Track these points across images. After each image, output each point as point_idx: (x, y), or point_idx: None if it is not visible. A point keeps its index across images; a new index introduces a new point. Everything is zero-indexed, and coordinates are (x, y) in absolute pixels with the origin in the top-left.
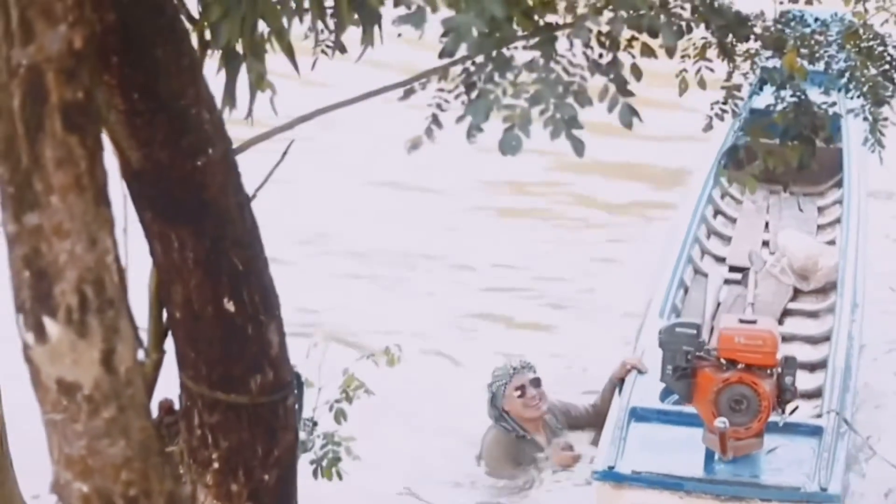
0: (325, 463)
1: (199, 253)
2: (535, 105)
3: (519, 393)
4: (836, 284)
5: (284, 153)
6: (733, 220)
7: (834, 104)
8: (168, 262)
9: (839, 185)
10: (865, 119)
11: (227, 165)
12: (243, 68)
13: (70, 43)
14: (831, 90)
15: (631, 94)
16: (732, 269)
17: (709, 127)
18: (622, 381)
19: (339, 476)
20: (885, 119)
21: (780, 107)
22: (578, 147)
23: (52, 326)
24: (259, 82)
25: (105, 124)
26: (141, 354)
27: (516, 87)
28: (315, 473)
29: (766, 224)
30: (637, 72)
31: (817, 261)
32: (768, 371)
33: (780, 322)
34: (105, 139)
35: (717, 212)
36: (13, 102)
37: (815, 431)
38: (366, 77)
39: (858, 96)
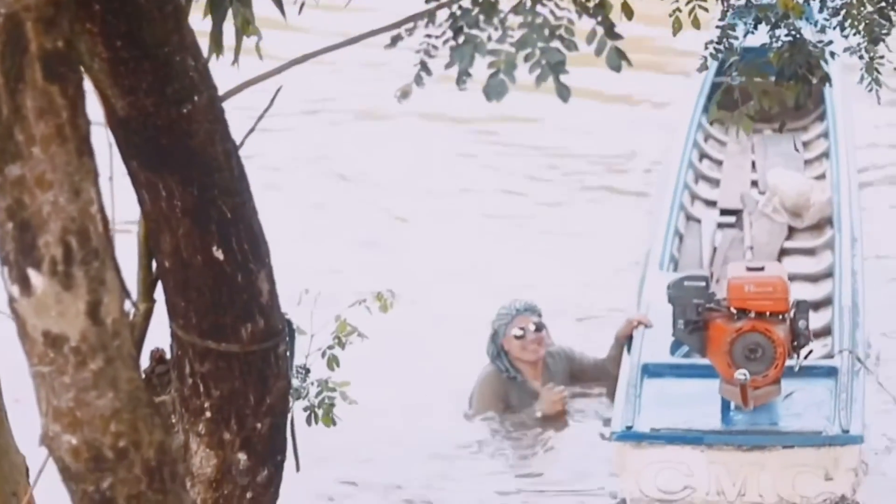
0: (319, 410)
1: (186, 201)
2: (521, 49)
3: (520, 334)
4: (829, 220)
5: (272, 99)
6: (719, 163)
7: (830, 42)
8: (156, 211)
9: (821, 118)
10: (861, 57)
11: (213, 113)
12: (230, 14)
13: None
14: (827, 28)
15: (619, 36)
16: (724, 212)
17: (704, 67)
18: (629, 338)
19: (333, 422)
20: (882, 57)
21: (774, 46)
22: (563, 92)
23: (36, 278)
24: (245, 28)
25: (89, 72)
26: (128, 305)
27: (502, 31)
28: (309, 420)
29: (753, 164)
30: (628, 10)
31: (809, 197)
32: (780, 317)
33: (778, 261)
34: (88, 88)
35: (703, 155)
36: None
37: (830, 372)
38: (352, 23)
39: (854, 34)
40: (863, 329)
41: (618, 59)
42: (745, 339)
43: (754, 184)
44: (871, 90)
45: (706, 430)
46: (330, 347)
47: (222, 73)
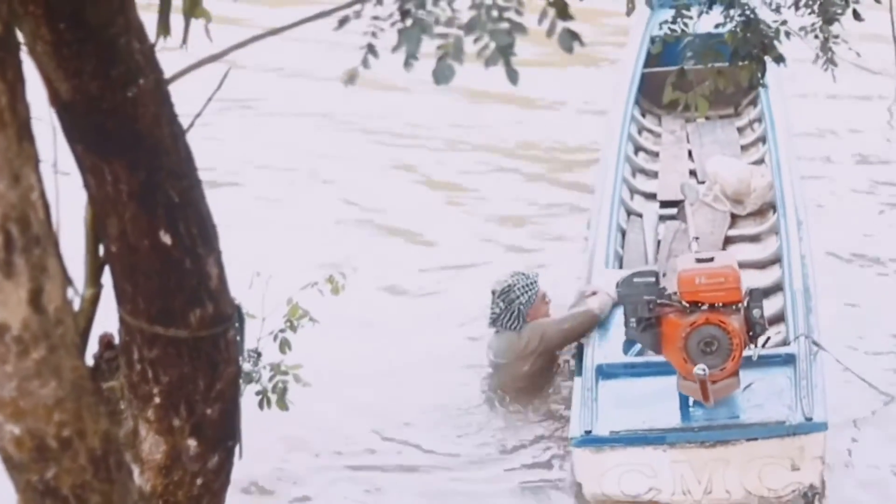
0: (273, 394)
1: (133, 185)
2: (470, 33)
3: (546, 299)
4: (771, 204)
5: (221, 82)
6: (656, 154)
7: (784, 22)
8: (102, 196)
9: (754, 102)
10: (816, 37)
11: (159, 96)
12: None
13: None
14: (781, 8)
15: (570, 17)
16: (664, 203)
17: (658, 48)
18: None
19: (286, 407)
20: (836, 37)
21: (728, 26)
22: (513, 76)
23: None
24: (194, 9)
25: (32, 55)
26: (71, 293)
27: (451, 14)
28: (261, 404)
29: (689, 153)
30: None
31: (749, 183)
32: (734, 307)
33: (723, 250)
34: (28, 72)
35: (638, 148)
36: None
37: (788, 360)
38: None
39: (809, 14)
40: (816, 312)
41: (570, 40)
42: (699, 333)
43: (692, 173)
44: (826, 69)
45: (667, 428)
46: (282, 331)
47: (169, 56)
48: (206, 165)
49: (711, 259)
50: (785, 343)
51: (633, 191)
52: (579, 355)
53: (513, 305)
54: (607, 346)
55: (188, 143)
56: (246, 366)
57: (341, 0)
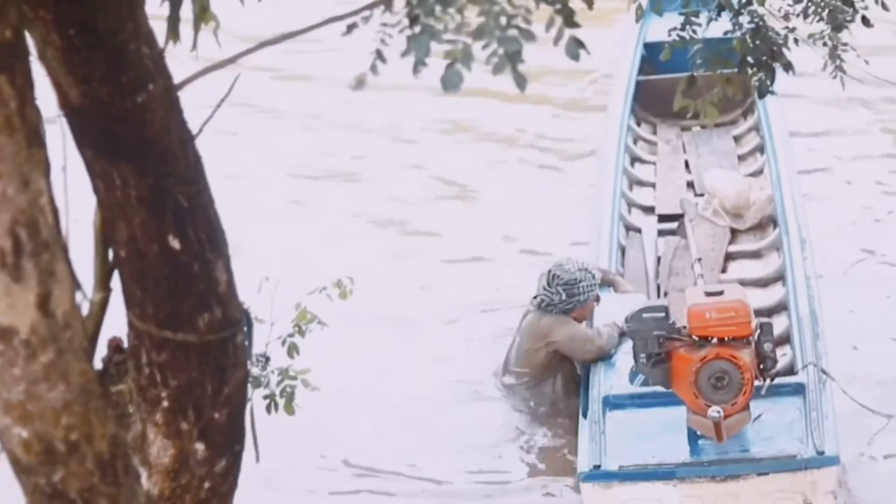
0: (281, 399)
1: (142, 190)
2: (478, 40)
3: (596, 302)
4: (772, 218)
5: (231, 87)
6: (652, 164)
7: (794, 29)
8: (111, 200)
9: (751, 110)
10: (825, 44)
11: (168, 101)
12: (187, 1)
13: None
14: (790, 15)
15: (577, 25)
16: (662, 217)
17: (667, 54)
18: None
19: (292, 412)
20: (846, 44)
21: (737, 33)
22: (521, 82)
23: None
24: (203, 15)
25: (42, 61)
26: (80, 297)
27: (460, 21)
28: (269, 409)
29: (686, 163)
30: None
31: (748, 196)
32: (745, 341)
33: (723, 268)
34: (38, 78)
35: (635, 159)
36: None
37: (798, 390)
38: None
39: (818, 21)
40: (823, 338)
41: (576, 49)
42: (710, 368)
43: (690, 185)
44: (834, 77)
45: (677, 463)
46: (290, 335)
47: (179, 61)
48: (214, 170)
49: (721, 293)
50: (791, 369)
51: (631, 204)
52: (585, 386)
53: (571, 300)
54: (613, 377)
55: (197, 149)
56: (254, 370)
57: (350, 6)
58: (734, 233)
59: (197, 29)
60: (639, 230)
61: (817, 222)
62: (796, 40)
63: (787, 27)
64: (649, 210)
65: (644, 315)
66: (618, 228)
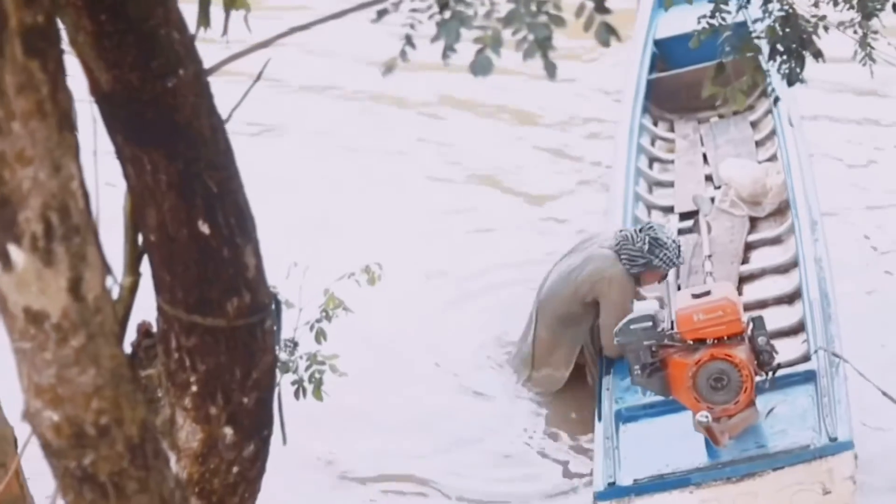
0: (309, 384)
1: (172, 175)
2: (508, 26)
3: (663, 280)
4: (790, 202)
5: (260, 73)
6: (671, 163)
7: (824, 17)
8: (141, 186)
9: (765, 93)
10: (855, 32)
11: (198, 87)
12: None
13: None
14: (820, 3)
15: (608, 10)
16: (683, 215)
17: (696, 42)
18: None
19: (320, 398)
20: (876, 32)
21: (767, 21)
22: (551, 69)
23: (17, 254)
24: (233, 0)
25: (74, 46)
26: (110, 281)
27: (489, 7)
28: (297, 394)
29: (705, 156)
30: None
31: (765, 182)
32: (739, 338)
33: (745, 258)
34: (70, 62)
35: (653, 159)
36: None
37: (809, 377)
38: None
39: (848, 9)
40: (836, 320)
41: (607, 34)
42: (706, 370)
43: (708, 178)
44: (864, 65)
45: (691, 469)
46: (318, 321)
47: (209, 46)
48: (244, 155)
49: (708, 293)
50: (806, 357)
51: (651, 207)
52: (598, 401)
53: (647, 256)
54: (624, 390)
55: (227, 134)
56: (282, 355)
57: None
58: (754, 221)
59: (227, 14)
60: None
61: (851, 208)
62: (826, 28)
63: (816, 15)
64: (669, 210)
65: (632, 326)
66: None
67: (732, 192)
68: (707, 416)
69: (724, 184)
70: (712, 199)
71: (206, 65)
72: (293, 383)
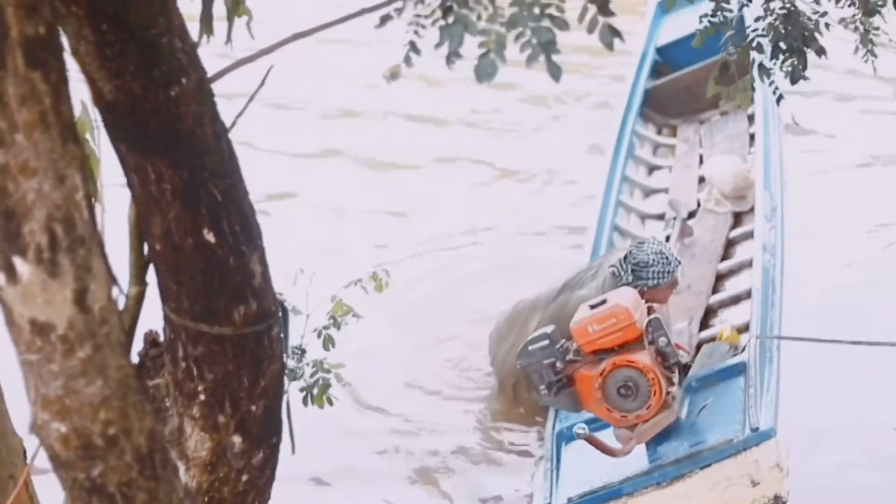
0: (315, 390)
1: (176, 184)
2: (512, 29)
3: (676, 287)
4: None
5: (263, 80)
6: (671, 169)
7: (825, 14)
8: (146, 195)
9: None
10: (856, 29)
11: (202, 95)
12: None
13: None
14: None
15: (612, 13)
16: (674, 221)
17: (699, 40)
18: None
19: (330, 402)
20: (877, 28)
21: (768, 19)
22: (555, 72)
23: (22, 266)
24: (236, 7)
25: (76, 56)
26: (116, 291)
27: (493, 11)
28: (305, 401)
29: (701, 158)
30: None
31: (747, 175)
32: (640, 343)
33: (728, 254)
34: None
35: (653, 168)
36: None
37: (741, 369)
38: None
39: (849, 6)
40: (779, 305)
41: (610, 36)
42: (612, 379)
43: (702, 180)
44: (866, 61)
45: (621, 480)
46: (325, 328)
47: (212, 54)
48: (249, 162)
49: (604, 301)
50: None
51: (644, 217)
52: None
53: (637, 282)
54: (566, 412)
55: (231, 142)
56: (290, 363)
57: None
58: (739, 216)
59: (231, 22)
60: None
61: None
62: (828, 25)
63: (818, 11)
64: (661, 217)
65: (530, 348)
66: (611, 242)
67: (715, 191)
68: (584, 428)
69: (707, 183)
70: (698, 201)
71: (209, 73)
72: (301, 391)
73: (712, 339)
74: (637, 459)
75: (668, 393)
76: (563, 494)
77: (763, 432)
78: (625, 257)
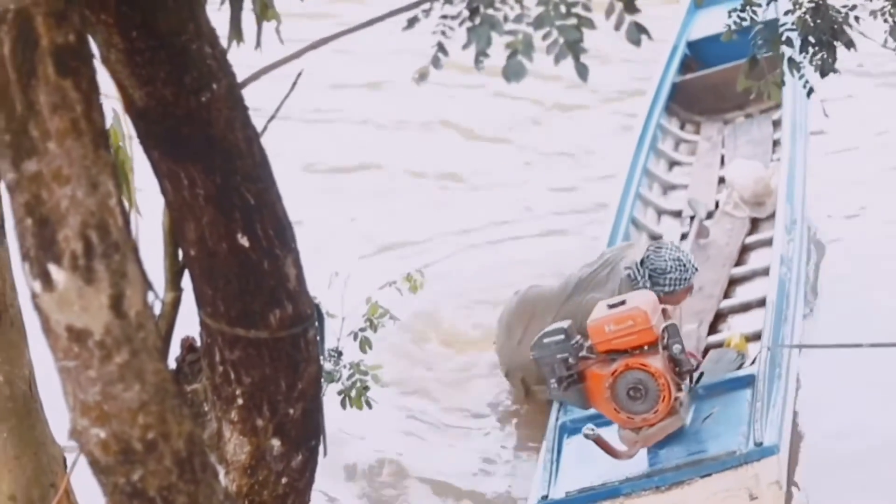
0: (353, 393)
1: (209, 189)
2: (539, 29)
3: (690, 292)
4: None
5: (294, 84)
6: (692, 166)
7: (854, 7)
8: (179, 200)
9: None
10: (886, 21)
11: (232, 100)
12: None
13: None
14: None
15: (638, 10)
16: (692, 219)
17: (728, 36)
18: None
19: (369, 405)
20: None
21: (797, 13)
22: (582, 71)
23: (57, 273)
24: (264, 12)
25: (106, 64)
26: (152, 297)
27: (519, 11)
28: (343, 403)
29: (723, 158)
30: None
31: (768, 182)
32: (654, 348)
33: (742, 260)
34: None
35: (673, 163)
36: (3, 49)
37: (750, 381)
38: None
39: None
40: (791, 319)
41: (637, 34)
42: (623, 380)
43: (722, 181)
44: None
45: (621, 480)
46: (362, 330)
47: (242, 59)
48: (286, 164)
49: (623, 302)
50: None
51: (661, 211)
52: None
53: (654, 288)
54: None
55: (262, 146)
56: (327, 365)
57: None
58: (756, 222)
59: (259, 26)
60: (660, 237)
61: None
62: (857, 18)
63: (847, 5)
64: (678, 214)
65: (545, 340)
66: (627, 235)
67: (735, 195)
68: (593, 429)
69: (728, 186)
70: (717, 202)
71: (239, 78)
72: (339, 393)
73: (720, 344)
74: (638, 461)
75: (676, 399)
76: (561, 488)
77: (766, 447)
78: (642, 261)
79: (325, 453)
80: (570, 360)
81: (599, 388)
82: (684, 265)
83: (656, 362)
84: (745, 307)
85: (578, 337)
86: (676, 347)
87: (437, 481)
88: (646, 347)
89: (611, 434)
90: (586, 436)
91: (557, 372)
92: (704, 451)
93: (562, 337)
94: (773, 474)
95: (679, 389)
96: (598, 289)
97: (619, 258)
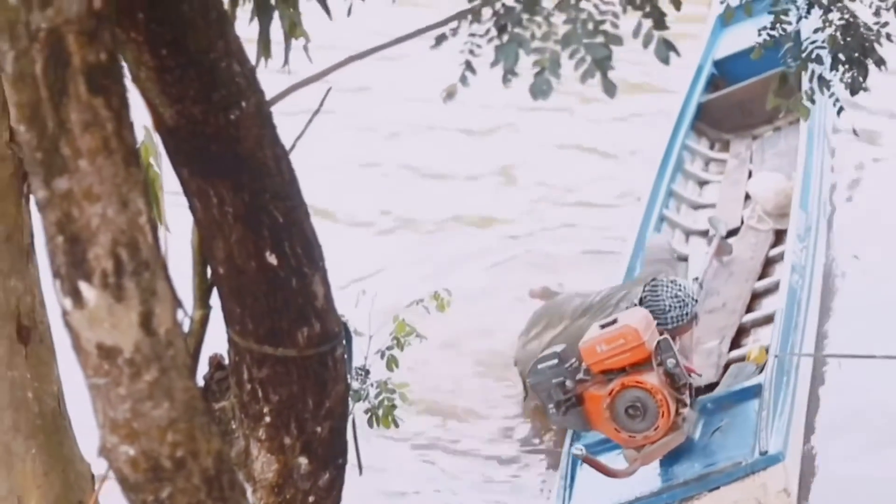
0: (380, 411)
1: (238, 207)
2: (566, 47)
3: (695, 323)
4: None
5: (322, 101)
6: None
7: (886, 24)
8: (208, 218)
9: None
10: None
11: (261, 118)
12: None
13: (89, 3)
14: (881, 10)
15: (667, 27)
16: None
17: (758, 53)
18: None
19: (395, 424)
20: None
21: (828, 31)
22: (610, 88)
23: (88, 291)
24: (293, 30)
25: (136, 82)
26: (181, 315)
27: (547, 29)
28: (370, 422)
29: (750, 173)
30: (676, 0)
31: (790, 193)
32: (649, 364)
33: (767, 272)
34: (135, 98)
35: (702, 183)
36: (35, 68)
37: (757, 391)
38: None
39: None
40: (802, 327)
41: (666, 51)
42: (621, 399)
43: (748, 196)
44: None
45: (630, 500)
46: (389, 348)
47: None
48: (308, 185)
49: (614, 321)
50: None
51: (689, 233)
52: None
53: (657, 326)
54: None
55: (291, 164)
56: (354, 384)
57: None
58: (781, 234)
59: (288, 44)
60: (685, 258)
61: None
62: (888, 35)
63: (878, 22)
64: (704, 234)
65: (539, 367)
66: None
67: (759, 208)
68: (581, 449)
69: (752, 200)
70: (742, 218)
71: (268, 95)
72: (366, 412)
73: (741, 359)
74: (650, 479)
75: (678, 414)
76: None
77: (771, 456)
78: (640, 301)
79: (360, 471)
80: (567, 384)
81: (598, 409)
82: (683, 301)
83: (652, 378)
84: (767, 320)
85: (574, 360)
86: (670, 362)
87: None
88: (640, 364)
89: (616, 457)
90: (576, 456)
91: (554, 397)
92: (713, 465)
93: (555, 361)
94: (781, 482)
95: (682, 405)
96: (598, 315)
97: (633, 290)
